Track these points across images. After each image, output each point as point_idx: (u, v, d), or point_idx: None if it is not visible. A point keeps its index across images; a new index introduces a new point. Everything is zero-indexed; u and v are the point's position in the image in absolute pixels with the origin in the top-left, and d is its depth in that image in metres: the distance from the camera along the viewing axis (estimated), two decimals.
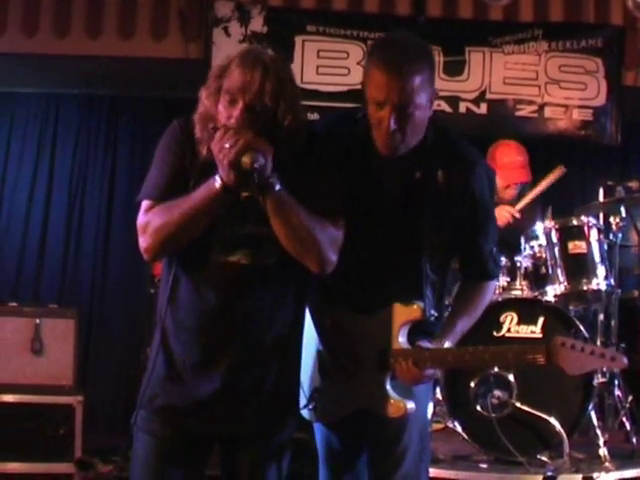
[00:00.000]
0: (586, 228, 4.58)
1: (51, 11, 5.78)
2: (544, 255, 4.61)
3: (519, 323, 4.24)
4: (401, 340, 2.44)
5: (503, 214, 4.88)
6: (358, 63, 5.80)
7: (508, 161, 5.12)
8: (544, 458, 4.11)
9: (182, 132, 2.35)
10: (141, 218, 2.30)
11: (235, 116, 2.22)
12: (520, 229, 4.85)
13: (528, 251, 4.65)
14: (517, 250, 4.69)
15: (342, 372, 2.51)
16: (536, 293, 4.55)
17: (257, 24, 5.88)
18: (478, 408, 4.14)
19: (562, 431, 4.07)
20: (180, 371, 2.32)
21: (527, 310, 4.28)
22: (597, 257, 4.56)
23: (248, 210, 2.27)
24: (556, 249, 4.56)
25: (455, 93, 5.92)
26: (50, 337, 4.76)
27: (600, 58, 5.99)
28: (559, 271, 4.53)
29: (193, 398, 2.31)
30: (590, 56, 6.00)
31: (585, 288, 4.53)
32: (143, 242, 2.29)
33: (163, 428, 2.33)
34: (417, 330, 2.47)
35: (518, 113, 6.00)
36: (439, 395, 4.34)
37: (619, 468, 4.09)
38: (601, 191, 5.05)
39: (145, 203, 2.32)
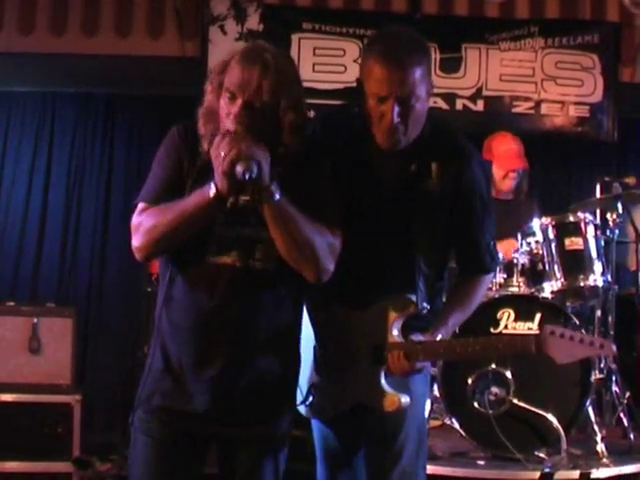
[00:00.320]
0: (583, 224, 4.58)
1: (48, 9, 5.77)
2: (541, 252, 4.60)
3: (516, 320, 4.24)
4: (395, 334, 2.45)
5: (510, 249, 4.74)
6: (354, 60, 5.80)
7: (504, 149, 5.13)
8: (542, 454, 4.12)
9: (180, 137, 2.36)
10: (134, 219, 2.32)
11: (234, 113, 2.23)
12: (517, 226, 4.85)
13: (525, 248, 4.65)
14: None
15: (338, 367, 2.52)
16: (533, 290, 4.55)
17: (253, 22, 5.88)
18: (475, 405, 4.15)
19: (559, 427, 4.08)
20: (176, 371, 2.32)
21: (524, 307, 4.28)
22: (594, 253, 4.56)
23: (247, 213, 2.27)
24: (553, 245, 4.56)
25: (451, 90, 5.92)
26: (48, 336, 4.77)
27: (596, 54, 5.99)
28: (556, 267, 4.53)
29: (189, 399, 2.30)
30: (586, 52, 6.00)
31: (582, 284, 4.52)
32: (135, 242, 2.31)
33: (160, 428, 2.32)
34: (410, 324, 2.48)
35: (515, 110, 6.01)
36: (436, 392, 4.34)
37: (617, 464, 4.10)
38: (598, 187, 5.05)
39: (140, 205, 2.34)
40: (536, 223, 4.66)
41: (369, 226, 2.52)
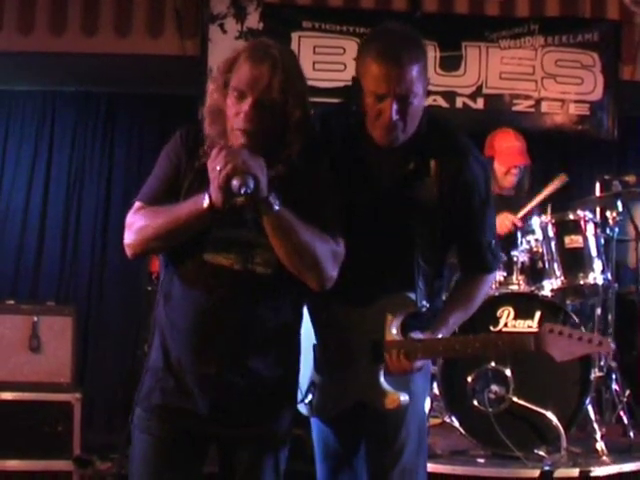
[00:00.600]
0: (583, 222, 4.58)
1: (47, 9, 5.77)
2: (541, 250, 4.61)
3: (516, 318, 4.24)
4: (394, 332, 2.45)
5: (505, 222, 4.79)
6: (354, 59, 5.78)
7: (506, 146, 5.12)
8: (541, 453, 4.12)
9: (181, 140, 2.37)
10: (129, 216, 2.34)
11: (244, 111, 2.22)
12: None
13: (525, 246, 4.65)
14: (514, 245, 4.69)
15: (338, 366, 2.52)
16: (533, 288, 4.56)
17: (253, 20, 5.88)
18: (475, 403, 4.15)
19: (559, 425, 4.08)
20: (176, 369, 2.32)
21: (524, 305, 4.28)
22: (594, 251, 4.56)
23: (245, 215, 2.27)
24: (552, 243, 4.56)
25: (452, 88, 5.92)
26: (48, 334, 4.77)
27: (596, 52, 5.99)
28: (556, 265, 4.53)
29: (189, 397, 2.30)
30: (586, 50, 6.00)
31: (582, 282, 4.53)
32: (126, 238, 2.33)
33: (160, 426, 2.32)
34: (410, 322, 2.48)
35: (515, 108, 6.00)
36: (436, 390, 4.35)
37: (616, 462, 4.10)
38: (598, 185, 5.05)
39: (136, 204, 2.36)
40: (536, 221, 4.66)
41: (367, 224, 2.51)
